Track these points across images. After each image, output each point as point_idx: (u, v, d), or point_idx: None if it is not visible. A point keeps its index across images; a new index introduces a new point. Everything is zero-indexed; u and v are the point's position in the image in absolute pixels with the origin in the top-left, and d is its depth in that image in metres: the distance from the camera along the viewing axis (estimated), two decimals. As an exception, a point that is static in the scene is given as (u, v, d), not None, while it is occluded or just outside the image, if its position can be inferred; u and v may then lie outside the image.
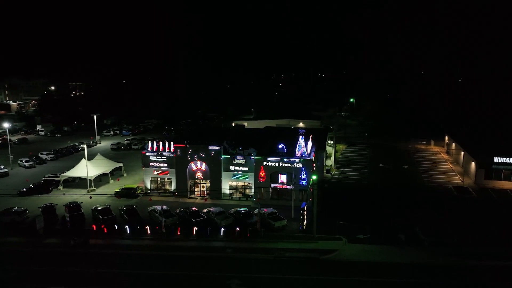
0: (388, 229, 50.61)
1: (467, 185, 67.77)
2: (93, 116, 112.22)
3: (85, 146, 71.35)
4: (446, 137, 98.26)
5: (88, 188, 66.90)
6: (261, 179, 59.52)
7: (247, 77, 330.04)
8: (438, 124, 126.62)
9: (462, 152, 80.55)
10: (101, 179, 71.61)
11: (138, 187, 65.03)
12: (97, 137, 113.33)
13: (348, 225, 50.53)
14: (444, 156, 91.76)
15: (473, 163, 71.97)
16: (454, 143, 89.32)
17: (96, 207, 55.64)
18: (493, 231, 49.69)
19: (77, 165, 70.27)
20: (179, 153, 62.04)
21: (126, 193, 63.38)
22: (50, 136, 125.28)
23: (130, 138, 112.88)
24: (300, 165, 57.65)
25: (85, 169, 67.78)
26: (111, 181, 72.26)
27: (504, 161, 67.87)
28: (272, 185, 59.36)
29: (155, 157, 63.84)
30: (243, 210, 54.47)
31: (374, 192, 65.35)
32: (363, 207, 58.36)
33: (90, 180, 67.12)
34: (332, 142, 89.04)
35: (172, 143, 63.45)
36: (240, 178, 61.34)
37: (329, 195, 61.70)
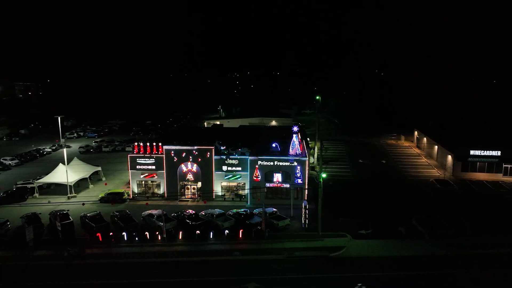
0: (387, 223, 51.69)
1: (446, 177, 70.86)
2: (57, 117, 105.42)
3: (64, 150, 66.97)
4: (416, 132, 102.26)
5: (69, 195, 62.97)
6: (256, 178, 58.75)
7: (202, 75, 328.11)
8: (403, 119, 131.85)
9: (436, 146, 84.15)
10: (79, 185, 67.59)
11: (124, 191, 61.99)
12: (62, 140, 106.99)
13: (350, 221, 50.98)
14: (416, 150, 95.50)
15: (449, 156, 75.33)
16: (425, 138, 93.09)
17: (86, 214, 52.39)
18: (485, 221, 52.23)
19: (54, 170, 65.93)
20: (172, 154, 59.81)
21: (113, 198, 60.19)
22: (7, 140, 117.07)
23: (98, 140, 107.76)
24: (295, 164, 57.55)
25: (63, 174, 64.00)
26: (90, 186, 68.49)
27: (479, 154, 71.58)
28: (267, 185, 58.76)
29: (142, 159, 61.11)
30: (242, 211, 53.51)
31: (364, 187, 66.59)
32: (358, 202, 59.28)
33: (70, 185, 63.19)
34: (308, 139, 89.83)
35: (160, 144, 61.03)
36: (233, 179, 60.21)
37: (325, 193, 61.85)
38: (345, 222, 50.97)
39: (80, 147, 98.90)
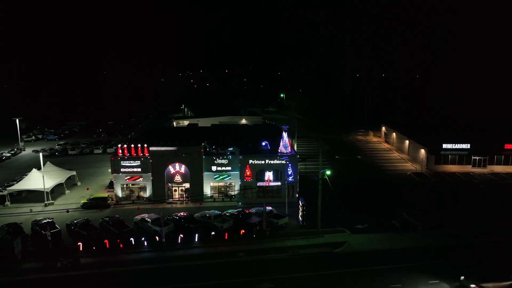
0: (380, 217, 53.08)
1: (422, 171, 74.03)
2: (15, 120, 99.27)
3: (40, 154, 62.65)
4: (383, 127, 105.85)
5: (46, 202, 59.02)
6: (247, 177, 58.13)
7: (153, 75, 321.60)
8: (367, 116, 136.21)
9: (407, 141, 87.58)
10: (53, 191, 63.40)
11: (108, 196, 58.98)
12: (21, 143, 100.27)
13: (345, 217, 51.80)
14: (386, 145, 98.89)
15: (422, 150, 78.68)
16: (394, 133, 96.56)
17: (73, 222, 49.36)
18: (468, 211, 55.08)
19: (27, 176, 61.59)
20: (159, 155, 57.66)
21: (96, 203, 57.09)
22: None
23: (61, 142, 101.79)
24: (286, 162, 57.58)
25: (37, 180, 59.98)
26: (67, 191, 64.63)
27: (451, 147, 75.42)
28: (259, 183, 58.35)
29: (127, 161, 58.44)
30: (235, 211, 52.82)
31: (348, 183, 67.66)
32: (347, 198, 60.19)
33: (47, 192, 59.24)
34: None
35: (145, 145, 58.67)
36: (223, 179, 59.18)
37: (312, 189, 62.19)
38: (341, 217, 51.76)
39: (43, 150, 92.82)
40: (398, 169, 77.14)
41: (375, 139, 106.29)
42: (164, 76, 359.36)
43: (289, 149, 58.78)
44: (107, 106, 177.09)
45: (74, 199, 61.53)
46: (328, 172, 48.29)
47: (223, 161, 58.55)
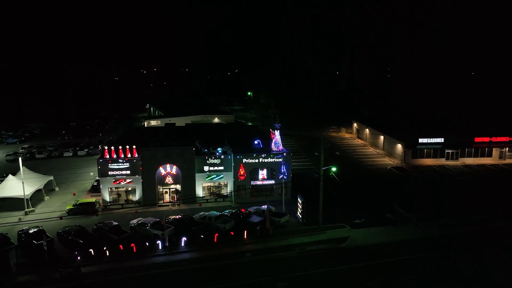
0: (375, 211, 54.43)
1: (400, 165, 76.75)
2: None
3: (20, 159, 58.41)
4: (355, 123, 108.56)
5: (26, 209, 55.21)
6: (241, 177, 57.49)
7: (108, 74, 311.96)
8: (335, 112, 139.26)
9: (382, 136, 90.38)
10: (31, 197, 59.42)
11: (96, 200, 56.13)
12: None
13: (342, 212, 52.65)
14: (359, 141, 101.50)
15: (399, 145, 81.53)
16: (367, 129, 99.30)
17: (65, 229, 46.57)
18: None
19: (3, 183, 57.33)
20: (150, 157, 55.59)
21: (84, 209, 54.16)
22: None
23: (26, 146, 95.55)
24: (280, 160, 57.63)
25: (15, 187, 56.21)
26: (46, 197, 60.89)
27: (427, 142, 78.75)
28: (252, 182, 57.91)
29: (115, 164, 55.87)
30: (229, 211, 52.31)
31: (333, 179, 68.77)
32: (337, 194, 61.07)
33: (27, 199, 55.46)
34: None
35: (134, 147, 56.40)
36: (215, 179, 58.17)
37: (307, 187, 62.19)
38: (339, 213, 52.54)
39: (7, 155, 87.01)
40: (377, 164, 79.47)
41: (347, 135, 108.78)
42: (117, 75, 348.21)
43: (281, 146, 58.81)
44: (65, 107, 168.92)
45: (55, 206, 58.16)
46: (334, 169, 48.71)
47: (216, 161, 57.56)
